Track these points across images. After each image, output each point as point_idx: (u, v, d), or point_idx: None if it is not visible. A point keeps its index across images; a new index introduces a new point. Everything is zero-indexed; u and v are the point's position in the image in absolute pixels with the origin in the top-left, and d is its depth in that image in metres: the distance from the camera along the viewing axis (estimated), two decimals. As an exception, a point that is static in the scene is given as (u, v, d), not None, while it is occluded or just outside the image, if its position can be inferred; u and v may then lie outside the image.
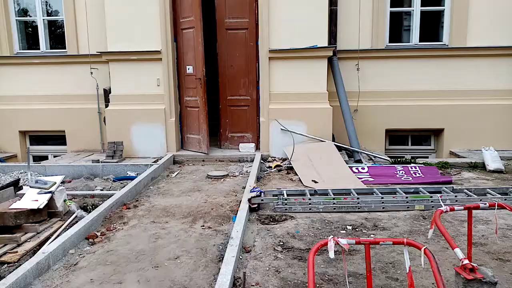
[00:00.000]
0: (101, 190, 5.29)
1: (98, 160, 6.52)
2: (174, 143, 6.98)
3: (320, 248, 2.15)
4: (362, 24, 6.97)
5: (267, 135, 6.77)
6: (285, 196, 4.43)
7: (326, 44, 6.57)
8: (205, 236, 3.74)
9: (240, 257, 3.25)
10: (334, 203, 4.29)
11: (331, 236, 2.14)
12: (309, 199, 4.35)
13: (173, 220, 4.18)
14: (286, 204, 4.30)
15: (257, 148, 7.01)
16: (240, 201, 4.46)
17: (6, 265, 3.24)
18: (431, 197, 4.33)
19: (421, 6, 7.09)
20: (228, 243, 3.29)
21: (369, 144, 7.13)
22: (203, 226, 3.99)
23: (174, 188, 5.37)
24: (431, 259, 1.99)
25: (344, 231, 3.78)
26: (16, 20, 7.61)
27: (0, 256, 3.31)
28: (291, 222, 4.03)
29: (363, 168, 5.81)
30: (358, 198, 4.33)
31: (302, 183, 5.36)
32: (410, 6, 7.20)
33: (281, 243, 3.51)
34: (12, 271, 2.91)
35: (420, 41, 7.18)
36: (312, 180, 5.34)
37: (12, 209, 3.83)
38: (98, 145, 7.51)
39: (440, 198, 4.25)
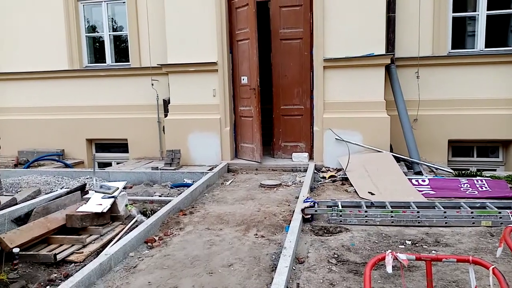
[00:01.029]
0: (160, 196, 5.50)
1: (157, 167, 6.80)
2: (228, 151, 7.11)
3: (377, 263, 2.08)
4: (422, 30, 6.70)
5: (321, 145, 6.68)
6: (340, 207, 4.33)
7: (383, 52, 6.39)
8: (258, 244, 3.75)
9: (293, 267, 3.21)
10: (392, 216, 4.12)
11: (389, 251, 2.05)
12: (365, 211, 4.21)
13: (227, 227, 4.23)
14: (341, 215, 4.20)
15: (311, 157, 6.94)
16: (293, 211, 4.43)
17: (73, 264, 3.47)
18: (499, 212, 4.02)
19: (487, 10, 6.68)
20: (281, 253, 3.27)
21: (430, 155, 6.78)
22: (256, 234, 4.00)
23: (228, 196, 5.45)
24: (501, 279, 1.84)
25: (403, 246, 3.61)
26: (86, 36, 8.21)
27: (68, 256, 3.54)
28: (346, 234, 3.92)
29: (423, 181, 5.53)
30: (418, 212, 4.12)
31: (357, 194, 5.21)
32: (474, 11, 6.81)
33: (336, 256, 3.43)
34: (78, 270, 3.10)
35: (486, 47, 6.76)
36: (369, 192, 5.18)
37: (79, 212, 4.09)
38: (157, 153, 7.84)
39: (510, 214, 3.93)
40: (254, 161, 6.92)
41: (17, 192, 5.43)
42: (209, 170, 6.56)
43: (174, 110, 7.27)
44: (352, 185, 5.56)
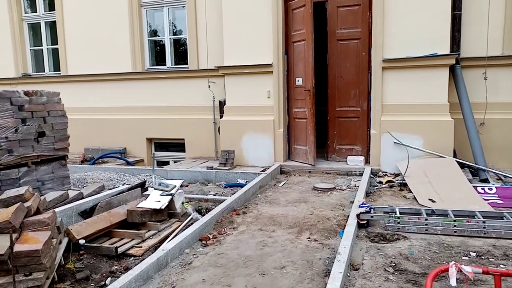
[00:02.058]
0: (214, 195, 5.61)
1: (212, 167, 6.95)
2: (281, 153, 7.10)
3: (439, 274, 1.96)
4: (492, 28, 6.26)
5: (378, 148, 6.46)
6: (398, 214, 4.15)
7: (447, 52, 6.05)
8: (311, 248, 3.69)
9: (348, 274, 3.12)
10: (454, 226, 3.88)
11: (453, 262, 1.93)
12: (426, 219, 4.00)
13: (279, 229, 4.22)
14: (398, 222, 4.03)
15: (367, 161, 6.74)
16: (348, 216, 4.31)
17: (132, 258, 3.63)
18: None
19: None
20: (335, 258, 3.20)
21: (498, 162, 6.32)
22: (309, 238, 3.95)
23: (281, 197, 5.44)
24: None
25: (467, 258, 3.39)
26: (148, 40, 8.59)
27: (128, 249, 3.71)
28: (404, 242, 3.75)
29: (490, 189, 5.16)
30: (484, 222, 3.85)
31: (417, 201, 4.97)
32: (554, 5, 6.25)
33: (393, 264, 3.29)
34: (137, 264, 3.24)
35: None
36: (429, 199, 4.92)
37: (139, 207, 4.28)
38: (212, 153, 8.01)
39: None
40: (307, 164, 6.84)
41: (83, 187, 5.79)
42: (262, 171, 6.59)
43: (229, 111, 7.40)
44: (411, 191, 5.32)
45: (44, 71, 9.61)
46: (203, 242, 3.89)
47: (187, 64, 8.29)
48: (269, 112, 7.08)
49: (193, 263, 3.45)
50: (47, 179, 5.30)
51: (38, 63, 9.75)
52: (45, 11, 9.32)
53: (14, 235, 2.84)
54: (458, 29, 6.35)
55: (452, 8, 6.14)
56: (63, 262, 3.34)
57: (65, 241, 3.54)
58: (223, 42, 7.25)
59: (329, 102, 7.00)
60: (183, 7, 8.20)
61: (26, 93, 5.08)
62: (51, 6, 9.21)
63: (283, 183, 6.23)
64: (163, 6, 8.31)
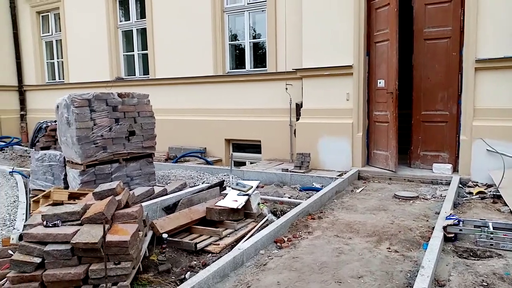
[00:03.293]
0: (289, 198, 5.60)
1: (287, 169, 6.95)
2: (359, 158, 6.86)
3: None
4: None
5: (468, 156, 5.95)
6: (491, 229, 3.77)
7: (555, 50, 5.38)
8: (391, 259, 3.51)
9: (432, 290, 2.91)
10: (561, 247, 3.43)
11: None
12: (525, 236, 3.59)
13: (356, 237, 4.08)
14: (492, 238, 3.66)
15: (455, 170, 6.24)
16: (433, 227, 4.02)
17: (210, 255, 3.76)
18: None
19: None
20: (418, 271, 3.00)
21: None
22: (389, 248, 3.75)
23: (359, 204, 5.25)
24: None
25: None
26: (229, 44, 8.86)
27: (206, 246, 3.85)
28: (498, 260, 3.40)
29: None
30: None
31: (513, 216, 4.49)
32: None
33: (485, 284, 2.99)
34: (215, 261, 3.34)
35: None
36: (529, 214, 4.41)
37: (217, 206, 4.42)
38: (288, 155, 8.01)
39: None
40: (388, 170, 6.53)
41: (167, 184, 6.14)
42: (339, 175, 6.43)
43: (306, 113, 7.33)
44: (506, 204, 4.81)
45: (135, 75, 10.38)
46: (278, 244, 3.89)
47: (265, 67, 8.39)
48: (348, 115, 6.89)
49: (268, 264, 3.47)
50: (135, 175, 5.71)
51: (130, 67, 10.57)
52: (137, 19, 10.08)
53: (106, 226, 3.09)
54: None
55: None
56: (147, 254, 3.55)
57: (149, 234, 3.77)
58: (302, 44, 7.22)
59: (413, 105, 6.61)
60: (262, 11, 8.32)
61: (120, 95, 5.53)
62: (142, 14, 9.93)
63: (361, 189, 6.01)
64: (244, 11, 8.51)
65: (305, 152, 7.04)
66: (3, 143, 11.08)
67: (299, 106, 7.58)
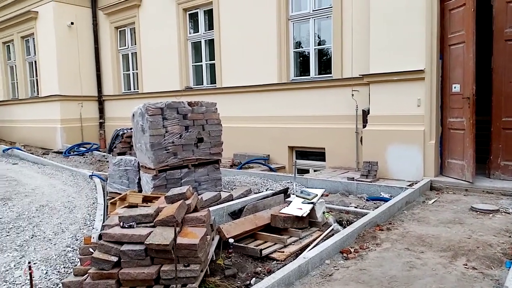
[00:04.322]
0: (355, 207, 5.44)
1: (353, 178, 6.76)
2: (432, 167, 6.48)
3: None
4: None
5: (559, 167, 5.38)
6: None
7: None
8: (468, 277, 3.26)
9: (518, 314, 2.65)
10: None
11: None
12: None
13: (429, 251, 3.85)
14: None
15: (543, 182, 5.67)
16: (517, 244, 3.68)
17: (275, 262, 3.76)
18: None
19: None
20: (500, 292, 2.76)
21: None
22: (466, 265, 3.49)
23: (431, 216, 4.96)
24: None
25: None
26: (293, 51, 8.89)
27: (271, 253, 3.86)
28: None
29: None
30: None
31: None
32: None
33: None
34: (280, 268, 3.33)
35: None
36: None
37: (282, 213, 4.42)
38: (353, 163, 7.80)
39: None
40: (464, 180, 6.09)
41: (232, 189, 6.27)
42: (409, 185, 6.12)
43: (374, 120, 7.10)
44: None
45: (202, 84, 10.79)
46: (344, 255, 3.79)
47: (329, 73, 8.28)
48: (419, 122, 6.55)
49: (333, 275, 3.39)
50: (203, 180, 5.91)
51: (198, 77, 11.01)
52: (205, 31, 10.48)
53: (177, 229, 3.23)
54: None
55: None
56: (214, 258, 3.65)
57: (216, 238, 3.87)
58: (369, 49, 7.03)
59: (493, 112, 6.13)
60: (327, 17, 8.25)
61: (189, 104, 5.78)
62: (210, 26, 10.32)
63: (433, 200, 5.67)
64: (309, 18, 8.49)
65: (372, 160, 6.82)
66: (84, 149, 12.06)
67: (365, 113, 7.37)
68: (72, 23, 12.59)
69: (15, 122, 14.88)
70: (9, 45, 15.06)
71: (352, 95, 7.62)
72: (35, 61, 13.63)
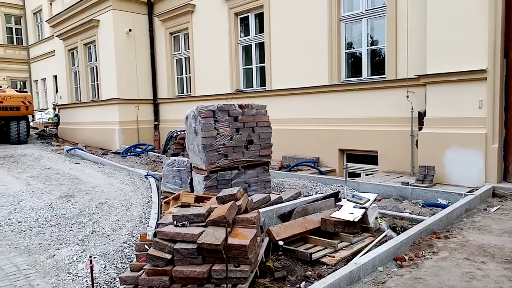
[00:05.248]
0: (410, 213, 5.22)
1: (408, 182, 6.50)
2: (494, 173, 6.08)
3: None
4: None
5: None
6: None
7: None
8: (538, 292, 3.01)
9: None
10: None
11: None
12: None
13: (491, 262, 3.61)
14: None
15: None
16: None
17: (325, 266, 3.70)
18: None
19: None
20: None
21: None
22: (535, 279, 3.23)
23: (494, 225, 4.65)
24: None
25: None
26: (345, 52, 8.72)
27: (321, 257, 3.81)
28: None
29: None
30: None
31: None
32: None
33: None
34: (330, 273, 3.28)
35: None
36: None
37: (332, 217, 4.35)
38: (408, 167, 7.50)
39: None
40: (532, 188, 5.66)
41: (282, 192, 6.26)
42: (469, 192, 5.78)
43: (430, 123, 6.78)
44: None
45: (252, 87, 10.90)
46: (398, 262, 3.66)
47: (382, 74, 8.03)
48: (480, 125, 6.17)
49: (386, 283, 3.28)
50: (252, 182, 5.96)
51: (248, 80, 11.13)
52: (255, 34, 10.59)
53: (228, 229, 3.28)
54: None
55: None
56: (263, 260, 3.66)
57: (266, 240, 3.88)
58: (426, 49, 6.73)
59: None
60: (380, 16, 8.01)
61: (240, 106, 5.86)
62: (260, 29, 10.40)
63: (496, 208, 5.32)
64: (362, 18, 8.29)
65: (428, 164, 6.51)
66: (140, 150, 12.62)
67: (422, 115, 7.05)
68: (130, 30, 13.24)
69: (78, 124, 15.89)
70: (73, 52, 16.11)
71: (407, 96, 7.33)
72: (96, 67, 14.47)
